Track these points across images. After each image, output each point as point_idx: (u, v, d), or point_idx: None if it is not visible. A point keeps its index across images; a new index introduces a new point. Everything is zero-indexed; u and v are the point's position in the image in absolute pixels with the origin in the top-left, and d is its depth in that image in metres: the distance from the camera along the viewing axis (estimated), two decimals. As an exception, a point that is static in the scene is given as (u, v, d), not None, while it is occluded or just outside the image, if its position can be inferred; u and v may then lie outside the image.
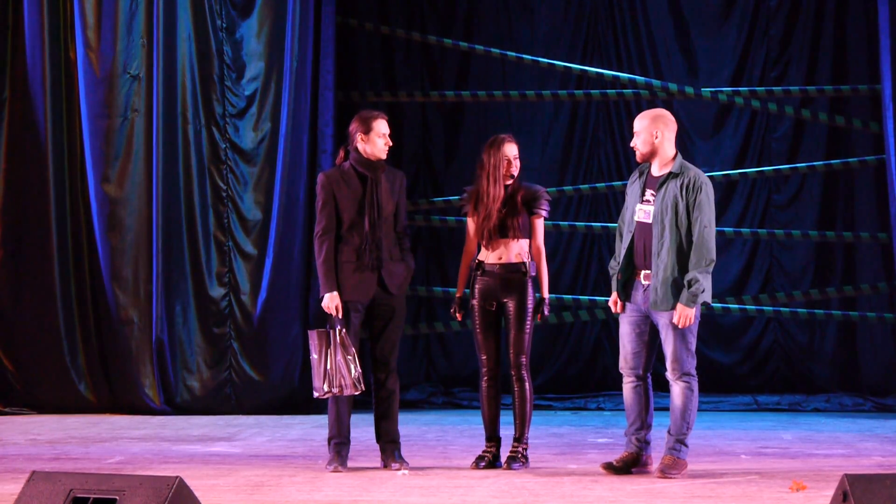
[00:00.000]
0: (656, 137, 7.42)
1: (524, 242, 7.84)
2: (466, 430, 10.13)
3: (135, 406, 11.41)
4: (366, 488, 7.01)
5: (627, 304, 7.53)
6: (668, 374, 7.40)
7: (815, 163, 12.48)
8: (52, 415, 11.35)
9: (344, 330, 7.58)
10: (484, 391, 7.88)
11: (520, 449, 7.83)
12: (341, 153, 7.86)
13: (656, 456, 7.60)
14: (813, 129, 12.58)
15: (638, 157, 7.54)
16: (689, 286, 7.25)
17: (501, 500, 6.64)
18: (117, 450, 8.89)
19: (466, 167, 12.87)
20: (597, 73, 12.60)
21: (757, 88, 12.51)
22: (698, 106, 12.68)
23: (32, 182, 11.61)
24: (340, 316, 7.61)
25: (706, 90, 12.46)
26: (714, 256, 7.33)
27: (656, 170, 7.48)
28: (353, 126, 7.78)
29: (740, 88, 12.51)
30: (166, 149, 11.39)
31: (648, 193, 7.45)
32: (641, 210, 7.45)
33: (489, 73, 12.88)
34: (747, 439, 9.51)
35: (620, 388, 7.65)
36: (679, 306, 7.27)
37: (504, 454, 7.87)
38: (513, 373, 7.82)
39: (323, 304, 7.66)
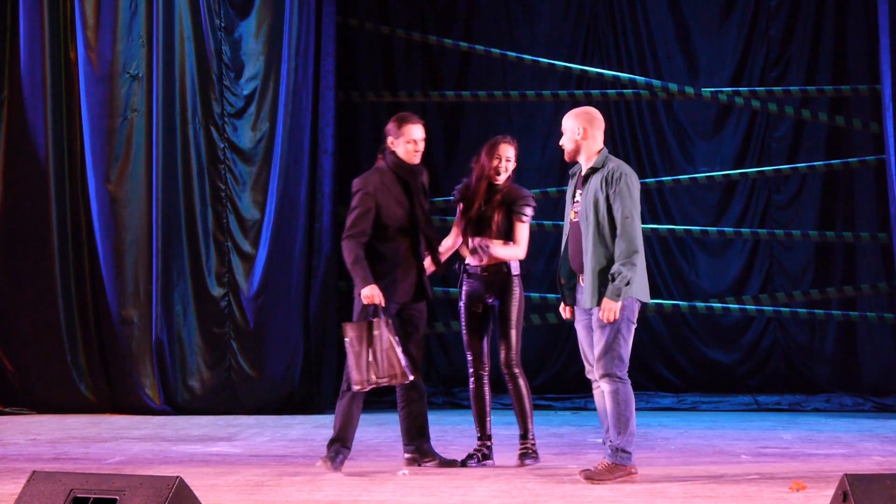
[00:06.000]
0: (578, 134, 7.35)
1: (504, 243, 7.87)
2: (466, 430, 10.12)
3: (135, 406, 11.41)
4: (366, 488, 7.01)
5: (576, 308, 7.45)
6: (595, 373, 7.29)
7: (815, 163, 12.48)
8: (52, 415, 11.35)
9: (389, 320, 7.45)
10: (472, 391, 7.97)
11: (528, 445, 7.86)
12: (380, 156, 7.75)
13: (639, 457, 7.53)
14: (813, 129, 12.58)
15: (566, 156, 7.47)
16: (613, 279, 7.11)
17: (501, 500, 6.64)
18: (117, 450, 8.89)
19: (466, 167, 12.83)
20: (597, 73, 12.60)
21: (757, 88, 12.51)
22: (698, 106, 12.69)
23: (32, 182, 11.61)
24: (383, 304, 7.46)
25: (706, 90, 12.46)
26: (637, 248, 7.12)
27: (584, 168, 7.42)
28: (389, 126, 7.74)
29: (740, 88, 12.52)
30: (166, 149, 11.39)
31: (578, 193, 7.37)
32: (572, 211, 7.38)
33: (489, 73, 12.88)
34: (747, 439, 9.51)
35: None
36: (604, 300, 7.11)
37: (499, 453, 7.90)
38: (504, 371, 7.87)
39: (364, 296, 7.43)
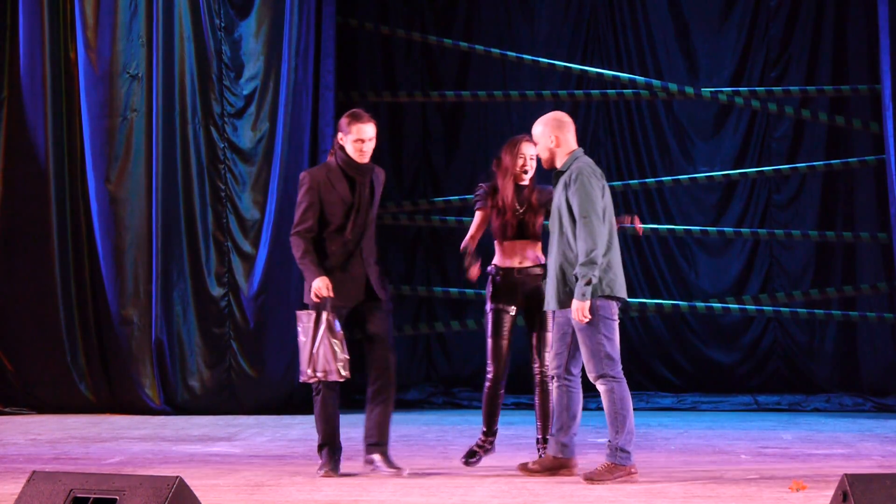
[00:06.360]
0: (552, 142, 7.36)
1: (540, 245, 7.83)
2: (466, 430, 10.13)
3: (135, 406, 11.41)
4: (366, 488, 7.01)
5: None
6: (589, 377, 7.29)
7: (815, 163, 12.49)
8: (52, 415, 11.35)
9: (333, 314, 7.31)
10: (488, 393, 7.80)
11: None
12: (331, 150, 7.61)
13: (639, 457, 7.52)
14: (813, 129, 12.59)
15: (543, 165, 7.48)
16: (576, 280, 7.12)
17: (501, 500, 6.64)
18: (117, 450, 8.89)
19: (466, 167, 12.90)
20: (597, 73, 12.61)
21: (757, 88, 12.51)
22: (698, 106, 12.69)
23: (32, 182, 11.61)
24: (332, 295, 7.32)
25: (706, 90, 12.47)
26: (595, 246, 7.07)
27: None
28: (341, 121, 7.53)
29: (740, 88, 12.52)
30: (166, 148, 11.39)
31: None
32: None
33: (489, 73, 12.89)
34: (747, 439, 9.51)
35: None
36: (573, 301, 7.12)
37: (500, 452, 7.88)
38: (538, 374, 7.76)
39: (313, 288, 7.34)
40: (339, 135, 7.48)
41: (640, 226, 7.64)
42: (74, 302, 11.64)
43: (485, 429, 7.91)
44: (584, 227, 7.11)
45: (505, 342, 7.80)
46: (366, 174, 7.46)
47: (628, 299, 7.43)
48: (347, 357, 7.29)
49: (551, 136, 7.36)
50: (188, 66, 11.46)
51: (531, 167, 7.81)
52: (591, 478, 7.15)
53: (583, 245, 7.10)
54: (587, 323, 7.11)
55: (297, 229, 7.49)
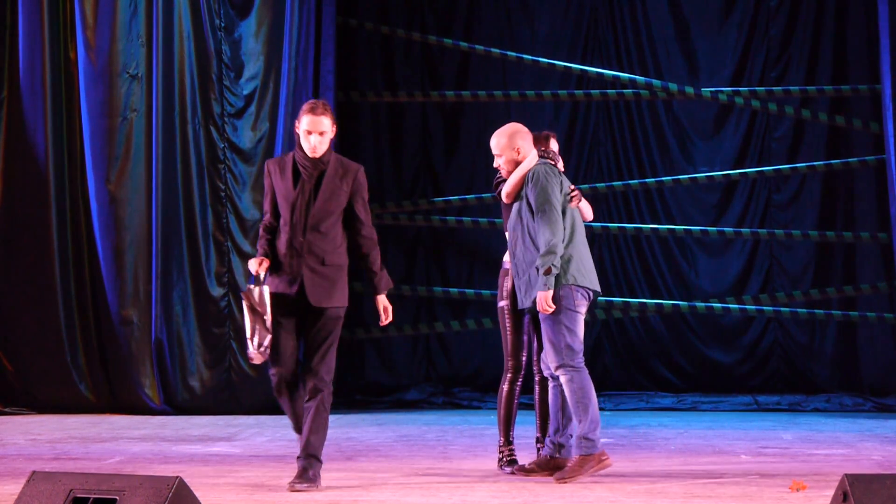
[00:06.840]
0: (516, 152, 7.49)
1: None
2: (466, 430, 10.13)
3: (135, 406, 11.41)
4: (366, 488, 7.01)
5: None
6: (551, 368, 7.32)
7: (815, 163, 12.49)
8: (52, 415, 11.35)
9: (249, 293, 6.93)
10: (506, 393, 7.70)
11: None
12: None
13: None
14: (813, 129, 12.59)
15: (504, 175, 7.56)
16: (538, 272, 7.20)
17: (501, 500, 6.64)
18: (117, 450, 8.89)
19: (466, 167, 12.89)
20: (597, 73, 12.60)
21: (757, 88, 12.51)
22: (698, 106, 12.69)
23: (32, 182, 11.61)
24: (262, 273, 6.94)
25: (706, 90, 12.46)
26: (553, 236, 7.16)
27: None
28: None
29: (740, 88, 12.52)
30: (165, 148, 11.39)
31: None
32: None
33: (489, 73, 12.89)
34: (747, 439, 9.51)
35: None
36: (537, 292, 7.19)
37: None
38: (537, 374, 7.71)
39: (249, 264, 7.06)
40: (296, 124, 7.15)
41: (577, 195, 7.56)
42: (74, 302, 11.64)
43: (502, 438, 7.73)
44: (542, 219, 7.24)
45: (526, 338, 7.76)
46: (314, 169, 7.01)
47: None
48: (256, 338, 7.04)
49: (515, 147, 7.50)
50: (188, 66, 11.46)
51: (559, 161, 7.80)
52: (562, 478, 7.14)
53: (541, 237, 7.22)
54: (550, 313, 7.16)
55: (263, 220, 7.21)
